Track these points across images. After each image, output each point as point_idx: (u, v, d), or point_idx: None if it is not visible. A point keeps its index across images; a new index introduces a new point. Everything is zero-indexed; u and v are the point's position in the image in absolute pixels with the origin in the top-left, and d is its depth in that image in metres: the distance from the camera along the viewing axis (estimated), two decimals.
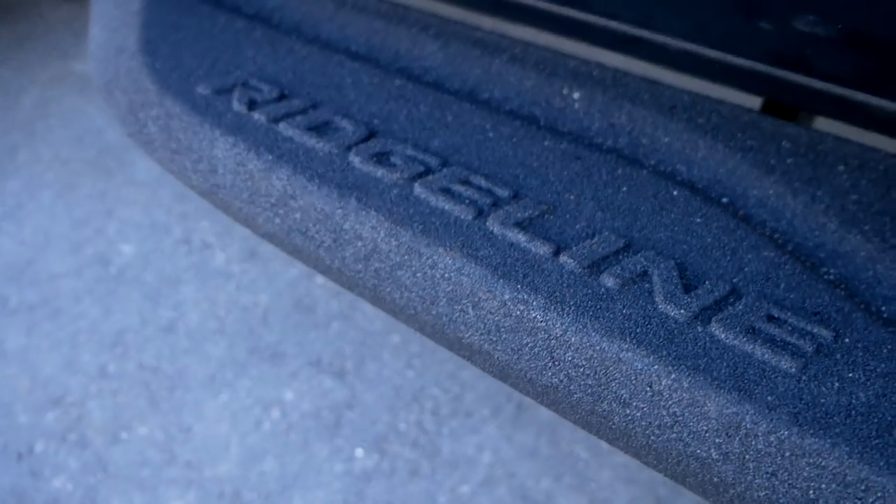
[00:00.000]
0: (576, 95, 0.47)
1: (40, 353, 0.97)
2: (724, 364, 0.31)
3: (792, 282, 0.35)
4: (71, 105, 1.44)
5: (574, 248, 0.35)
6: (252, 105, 0.46)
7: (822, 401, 0.30)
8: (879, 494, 0.28)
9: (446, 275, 0.36)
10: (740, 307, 0.33)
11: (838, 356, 0.31)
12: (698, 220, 0.38)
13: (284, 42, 0.53)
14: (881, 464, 0.28)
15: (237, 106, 0.46)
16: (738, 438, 0.29)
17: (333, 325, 1.01)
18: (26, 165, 1.28)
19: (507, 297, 0.34)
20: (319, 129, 0.44)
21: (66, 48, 1.62)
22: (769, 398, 0.29)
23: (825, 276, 0.36)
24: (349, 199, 0.39)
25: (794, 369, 0.30)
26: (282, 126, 0.44)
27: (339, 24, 0.56)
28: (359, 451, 0.86)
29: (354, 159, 0.42)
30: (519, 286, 0.34)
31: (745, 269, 0.35)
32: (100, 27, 0.58)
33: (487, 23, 0.56)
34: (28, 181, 1.24)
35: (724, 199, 0.40)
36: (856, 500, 0.28)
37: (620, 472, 0.84)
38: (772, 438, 0.29)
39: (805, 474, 0.28)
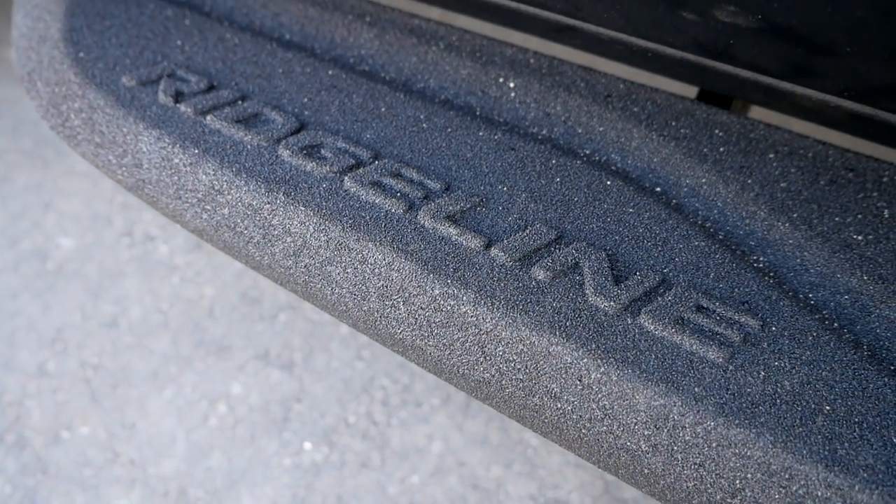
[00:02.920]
0: (511, 84, 0.46)
1: None
2: (653, 356, 0.31)
3: (721, 271, 0.35)
4: (4, 95, 1.38)
5: (505, 241, 0.35)
6: (178, 97, 0.44)
7: (748, 390, 0.30)
8: (803, 482, 0.28)
9: (376, 270, 0.35)
10: (669, 298, 0.33)
11: (765, 345, 0.32)
12: (630, 210, 0.38)
13: (215, 30, 0.51)
14: (804, 452, 0.29)
15: (163, 98, 0.44)
16: (665, 430, 0.29)
17: (281, 317, 0.99)
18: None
19: (437, 292, 0.33)
20: (248, 121, 0.43)
21: (3, 35, 1.55)
22: (696, 389, 0.29)
23: (754, 265, 0.36)
24: (277, 193, 0.38)
25: (721, 359, 0.31)
26: (209, 119, 0.43)
27: (272, 12, 0.54)
28: (307, 445, 0.85)
29: (284, 152, 0.40)
30: (449, 281, 0.33)
31: (676, 259, 0.35)
32: (22, 14, 0.55)
33: (426, 11, 0.55)
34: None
35: (657, 189, 0.40)
36: (780, 489, 0.28)
37: (569, 457, 0.85)
38: (699, 430, 0.29)
39: (731, 464, 0.29)
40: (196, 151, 0.41)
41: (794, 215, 0.38)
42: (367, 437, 0.86)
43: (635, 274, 0.34)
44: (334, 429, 0.87)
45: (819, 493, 0.27)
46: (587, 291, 0.33)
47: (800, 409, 0.30)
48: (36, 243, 1.08)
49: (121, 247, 1.08)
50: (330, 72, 0.48)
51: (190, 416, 0.87)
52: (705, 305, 0.33)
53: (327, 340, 0.96)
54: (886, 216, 0.38)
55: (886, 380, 0.31)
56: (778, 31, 0.33)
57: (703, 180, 0.40)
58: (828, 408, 0.29)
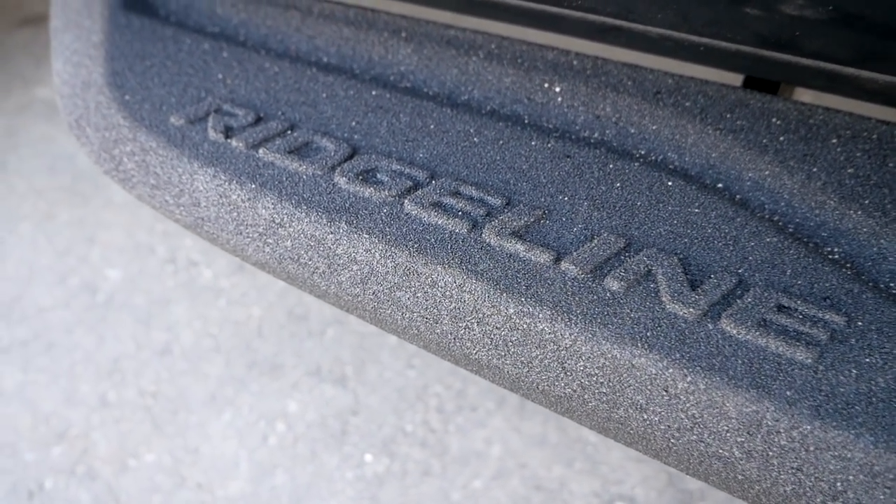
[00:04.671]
0: (557, 89, 0.46)
1: (38, 389, 0.95)
2: (739, 361, 0.30)
3: (798, 266, 0.34)
4: (39, 133, 1.41)
5: (574, 254, 0.35)
6: (229, 132, 0.45)
7: (842, 390, 0.29)
8: None
9: (447, 292, 0.35)
10: (749, 299, 0.32)
11: (853, 341, 0.31)
12: (696, 210, 0.37)
13: (254, 60, 0.52)
14: None
15: (213, 135, 0.44)
16: (759, 436, 0.29)
17: (329, 332, 1.00)
18: (1, 199, 1.25)
19: (511, 311, 0.33)
20: (300, 150, 0.43)
21: (28, 74, 1.58)
22: (788, 393, 0.29)
23: (830, 257, 0.35)
24: (339, 222, 0.38)
25: (810, 360, 0.30)
26: (262, 152, 0.43)
27: (307, 35, 0.54)
28: (368, 457, 0.86)
29: (340, 180, 0.40)
30: (523, 299, 0.33)
31: (749, 257, 0.34)
32: (62, 61, 0.56)
33: (462, 21, 0.55)
34: (5, 215, 1.22)
35: (720, 185, 0.40)
36: (885, 490, 0.27)
37: (630, 452, 0.84)
38: (794, 434, 0.29)
39: (831, 467, 0.28)
40: (253, 186, 0.41)
41: (866, 202, 0.37)
42: (425, 444, 0.87)
43: (710, 277, 0.33)
44: (393, 439, 0.87)
45: None
46: (664, 299, 0.32)
47: None
48: (84, 277, 1.11)
49: (166, 274, 1.10)
50: (374, 92, 0.48)
51: (250, 437, 0.89)
52: (786, 304, 0.32)
53: (377, 351, 0.96)
54: None
55: None
56: (840, 20, 0.33)
57: (766, 172, 0.39)
58: None
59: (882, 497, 0.28)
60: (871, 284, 0.33)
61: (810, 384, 0.29)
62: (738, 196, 0.39)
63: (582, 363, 0.32)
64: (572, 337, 0.32)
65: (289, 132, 0.45)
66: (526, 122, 0.45)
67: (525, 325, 0.33)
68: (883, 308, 0.32)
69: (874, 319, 0.32)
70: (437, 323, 0.35)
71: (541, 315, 0.33)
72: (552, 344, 0.33)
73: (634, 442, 0.33)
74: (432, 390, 0.92)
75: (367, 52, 0.52)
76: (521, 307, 0.33)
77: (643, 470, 0.83)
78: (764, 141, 0.40)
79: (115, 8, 0.57)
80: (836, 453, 0.28)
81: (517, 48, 0.49)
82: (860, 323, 0.31)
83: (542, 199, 0.38)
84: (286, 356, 0.97)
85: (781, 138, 0.40)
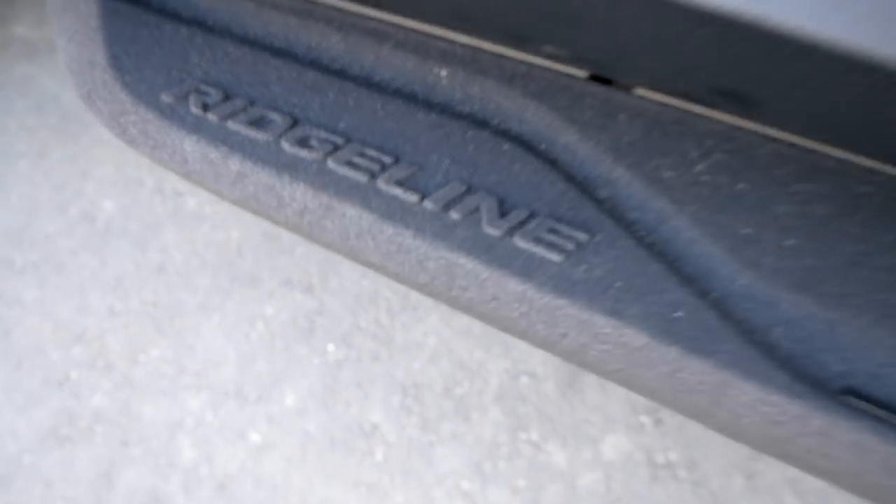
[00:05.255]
0: (443, 73, 0.64)
1: (55, 302, 1.15)
2: (519, 261, 0.50)
3: (573, 204, 0.54)
4: (22, 73, 1.54)
5: (433, 195, 0.54)
6: (205, 107, 0.62)
7: (576, 278, 0.50)
8: (607, 332, 0.49)
9: (352, 220, 0.54)
10: (533, 224, 0.52)
11: (589, 249, 0.51)
12: (518, 165, 0.56)
13: (220, 45, 0.69)
14: (609, 309, 0.49)
15: (194, 110, 0.62)
16: (527, 303, 0.50)
17: (298, 250, 1.20)
18: (8, 139, 1.41)
19: (390, 231, 0.53)
20: (257, 122, 0.61)
21: (4, 12, 1.68)
22: (544, 279, 0.49)
23: (597, 198, 0.55)
24: (284, 175, 0.57)
25: (560, 259, 0.50)
26: (229, 123, 0.61)
27: (261, 23, 0.71)
28: (330, 347, 1.08)
29: (284, 145, 0.59)
30: (397, 225, 0.53)
31: (543, 198, 0.54)
32: (66, 40, 0.73)
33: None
34: (3, 152, 1.38)
35: (542, 147, 0.59)
36: (599, 344, 0.48)
37: None
38: (547, 302, 0.49)
39: (568, 323, 0.49)
40: (225, 149, 0.59)
41: (630, 161, 0.56)
42: (376, 337, 1.08)
43: (514, 211, 0.53)
44: (350, 333, 1.09)
45: (603, 333, 0.48)
46: (483, 224, 0.52)
47: (611, 292, 0.50)
48: (82, 208, 1.28)
49: (155, 203, 1.28)
50: (310, 74, 0.66)
51: (235, 335, 1.10)
52: (554, 227, 0.52)
53: (338, 265, 1.17)
54: (692, 156, 0.56)
55: (661, 265, 0.51)
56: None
57: (574, 138, 0.58)
58: (620, 284, 0.49)
59: (596, 350, 0.49)
60: (619, 218, 0.54)
61: (557, 273, 0.50)
62: (551, 156, 0.58)
63: (431, 263, 0.52)
64: (426, 248, 0.52)
65: (249, 107, 0.62)
66: (419, 98, 0.64)
67: (399, 241, 0.53)
68: (617, 231, 0.52)
69: (608, 237, 0.52)
70: (347, 239, 0.55)
71: (407, 234, 0.52)
72: (413, 250, 0.52)
73: (465, 309, 0.54)
74: (382, 295, 1.13)
75: (307, 39, 0.69)
76: (396, 230, 0.53)
77: (546, 354, 1.06)
78: (575, 116, 0.59)
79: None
80: (570, 314, 0.49)
81: (418, 38, 0.67)
82: (598, 238, 0.52)
83: (420, 158, 0.57)
84: (262, 270, 1.17)
85: (587, 114, 0.59)
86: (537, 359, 1.05)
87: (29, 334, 1.11)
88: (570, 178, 0.56)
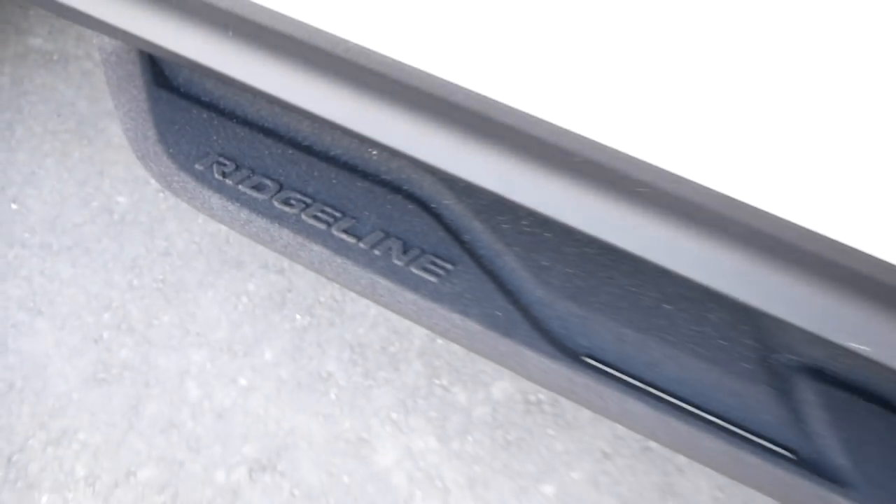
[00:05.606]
0: (374, 153, 1.02)
1: (86, 278, 1.51)
2: (413, 280, 0.90)
3: (447, 245, 0.93)
4: (41, 82, 1.84)
5: (364, 239, 0.92)
6: (224, 175, 0.98)
7: (444, 291, 0.89)
8: (460, 323, 0.89)
9: (316, 254, 0.93)
10: (422, 258, 0.91)
11: (453, 274, 0.91)
12: (416, 219, 0.95)
13: (230, 126, 1.05)
14: (461, 310, 0.89)
15: (217, 176, 0.98)
16: (417, 305, 0.89)
17: None
18: (25, 139, 1.72)
19: (339, 261, 0.91)
20: (257, 186, 0.98)
21: (20, 24, 1.96)
22: (425, 291, 0.89)
23: (463, 242, 0.94)
24: (274, 223, 0.95)
25: (436, 280, 0.90)
26: (240, 186, 0.97)
27: (256, 108, 1.07)
28: (297, 316, 1.46)
29: (275, 202, 0.96)
30: (343, 257, 0.91)
31: (429, 241, 0.93)
32: (123, 114, 1.08)
33: None
34: (31, 153, 1.70)
35: (432, 206, 0.97)
36: (453, 327, 0.88)
37: None
38: (426, 304, 0.88)
39: (436, 316, 0.89)
40: (238, 204, 0.96)
41: (483, 217, 0.95)
42: (332, 309, 1.47)
43: (411, 249, 0.92)
44: (312, 306, 1.48)
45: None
46: (392, 258, 0.91)
47: (462, 300, 0.90)
48: (101, 202, 1.62)
49: (159, 200, 1.63)
50: (290, 150, 1.02)
51: (226, 306, 1.48)
52: (435, 261, 0.91)
53: None
54: (520, 215, 0.96)
55: (494, 285, 0.90)
56: None
57: (452, 201, 0.97)
58: (468, 295, 0.89)
59: (455, 333, 0.89)
60: (472, 254, 0.93)
61: (434, 288, 0.89)
62: (437, 213, 0.97)
63: (363, 280, 0.91)
64: (360, 272, 0.91)
65: (251, 175, 0.99)
66: (359, 169, 1.01)
67: (344, 267, 0.91)
68: (471, 263, 0.92)
69: (465, 267, 0.91)
70: (313, 265, 0.93)
71: (349, 263, 0.91)
72: (354, 274, 0.91)
73: (383, 307, 0.93)
74: None
75: (287, 123, 1.05)
76: (342, 260, 0.91)
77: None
78: (453, 186, 0.98)
79: (151, 84, 1.09)
80: (440, 312, 0.88)
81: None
82: (459, 267, 0.91)
83: (357, 213, 0.95)
84: (245, 256, 1.54)
85: (460, 185, 0.98)
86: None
87: (68, 303, 1.47)
88: (447, 228, 0.96)
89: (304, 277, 1.51)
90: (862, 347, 0.67)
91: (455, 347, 1.44)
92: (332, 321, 1.46)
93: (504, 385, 1.40)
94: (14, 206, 1.60)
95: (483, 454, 1.33)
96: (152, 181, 1.65)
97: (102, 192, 1.64)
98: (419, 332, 1.45)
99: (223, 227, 1.58)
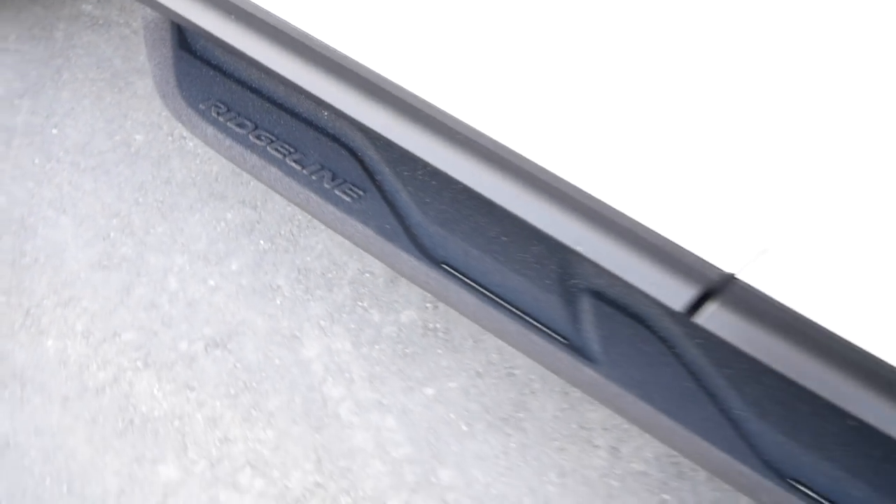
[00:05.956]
0: (325, 114, 1.45)
1: (104, 192, 1.93)
2: (335, 199, 1.32)
3: (363, 178, 1.36)
4: (88, 39, 2.28)
5: (307, 168, 1.35)
6: (218, 114, 1.41)
7: (356, 208, 1.32)
8: (361, 231, 1.31)
9: (274, 176, 1.35)
10: (345, 185, 1.34)
11: (364, 198, 1.34)
12: (345, 160, 1.38)
13: (227, 82, 1.48)
14: (363, 221, 1.32)
15: (213, 114, 1.41)
16: (337, 217, 1.31)
17: (251, 183, 2.00)
18: (69, 82, 2.15)
19: (289, 181, 1.34)
20: (240, 125, 1.41)
21: None
22: (343, 207, 1.31)
23: (375, 181, 1.38)
24: (248, 150, 1.38)
25: (351, 200, 1.32)
26: (228, 123, 1.40)
27: (250, 74, 1.51)
28: (261, 242, 1.89)
29: (250, 136, 1.39)
30: (291, 180, 1.34)
31: (352, 174, 1.36)
32: (154, 65, 1.52)
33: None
34: (73, 93, 2.13)
35: (358, 153, 1.40)
36: (358, 234, 1.31)
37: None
38: (344, 217, 1.31)
39: (348, 226, 1.31)
40: (223, 135, 1.39)
41: (393, 164, 1.39)
42: (288, 240, 1.90)
43: (337, 178, 1.35)
44: (274, 236, 1.90)
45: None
46: (324, 183, 1.34)
47: (368, 216, 1.33)
48: (123, 137, 2.05)
49: (167, 142, 2.06)
50: (267, 105, 1.46)
51: (210, 225, 1.90)
52: (353, 188, 1.34)
53: (274, 196, 1.98)
54: (419, 165, 1.39)
55: (390, 208, 1.33)
56: None
57: (372, 150, 1.40)
58: (371, 212, 1.32)
59: (358, 239, 1.31)
60: (379, 188, 1.36)
61: (349, 206, 1.32)
62: (359, 156, 1.40)
63: (303, 196, 1.33)
64: (301, 191, 1.33)
65: (237, 116, 1.42)
66: (314, 123, 1.45)
67: (290, 186, 1.34)
68: (377, 193, 1.34)
69: (373, 195, 1.34)
70: (271, 183, 1.36)
71: (294, 184, 1.34)
72: (298, 192, 1.34)
73: (315, 218, 1.35)
74: (297, 217, 1.95)
75: (268, 85, 1.49)
76: (290, 181, 1.34)
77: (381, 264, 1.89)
78: (375, 142, 1.41)
79: (176, 46, 1.53)
80: (351, 223, 1.31)
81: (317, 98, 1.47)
82: (369, 194, 1.34)
83: (306, 150, 1.39)
84: (229, 192, 1.97)
85: (383, 141, 1.42)
86: (377, 265, 1.88)
87: (87, 208, 1.90)
88: (365, 168, 1.39)
89: (271, 214, 1.94)
90: (578, 247, 1.10)
91: (378, 281, 1.87)
92: (287, 249, 1.89)
93: (410, 313, 1.83)
94: (55, 132, 2.03)
95: (384, 360, 1.75)
96: (164, 126, 2.09)
97: (125, 129, 2.07)
98: (353, 266, 1.88)
99: (214, 168, 2.01)
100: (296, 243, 1.90)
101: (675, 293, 1.03)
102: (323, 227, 1.94)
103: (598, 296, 1.31)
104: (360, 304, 1.83)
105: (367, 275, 1.88)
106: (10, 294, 1.73)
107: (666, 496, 1.62)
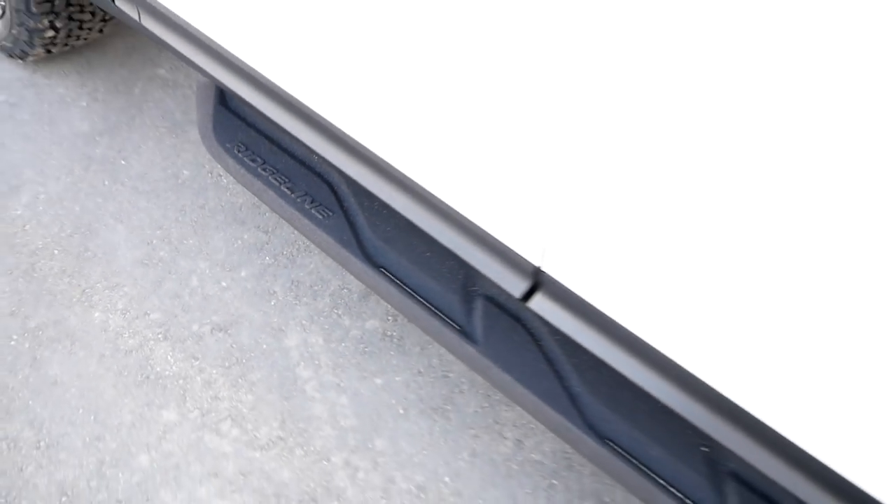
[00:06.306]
0: (317, 158, 2.00)
1: (151, 210, 2.50)
2: (316, 218, 1.84)
3: (334, 203, 1.88)
4: (158, 96, 2.92)
5: (285, 184, 1.89)
6: (239, 152, 1.97)
7: (327, 224, 1.83)
8: (323, 237, 1.82)
9: (263, 189, 1.88)
10: (323, 207, 1.86)
11: (331, 217, 1.85)
12: (325, 190, 1.91)
13: (250, 132, 2.05)
14: (326, 230, 1.83)
15: (236, 152, 1.97)
16: (317, 232, 1.83)
17: (266, 214, 2.54)
18: (139, 127, 2.78)
19: (271, 193, 1.87)
20: (253, 160, 1.96)
21: (154, 58, 3.07)
22: (320, 223, 1.82)
23: (343, 206, 1.90)
24: (255, 178, 1.92)
25: (322, 217, 1.83)
26: (245, 159, 1.95)
27: (267, 127, 2.08)
28: (267, 258, 2.42)
29: (258, 168, 1.93)
30: (298, 212, 1.87)
31: (329, 200, 1.88)
32: (200, 116, 2.11)
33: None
34: (141, 135, 2.75)
35: (336, 188, 1.93)
36: (319, 239, 1.82)
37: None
38: (318, 230, 1.82)
39: (317, 234, 1.82)
40: (241, 167, 1.94)
41: (354, 191, 1.91)
42: (288, 259, 2.42)
43: (321, 204, 1.87)
44: (277, 255, 2.43)
45: None
46: (313, 209, 1.86)
47: (330, 226, 1.84)
48: (174, 171, 2.64)
49: (208, 178, 2.63)
50: (274, 148, 2.01)
51: (227, 242, 2.44)
52: (327, 212, 1.86)
53: (284, 225, 2.52)
54: (379, 202, 1.91)
55: (344, 219, 1.84)
56: None
57: (344, 184, 1.93)
58: (332, 225, 1.82)
59: (318, 242, 1.82)
60: (344, 210, 1.87)
61: (321, 222, 1.84)
62: (335, 188, 1.92)
63: (297, 223, 1.86)
64: (273, 191, 1.86)
65: (252, 155, 1.97)
66: (315, 169, 1.99)
67: (297, 217, 1.87)
68: (341, 212, 1.86)
69: (338, 216, 1.85)
70: (263, 195, 1.89)
71: (272, 187, 1.87)
72: (301, 219, 1.87)
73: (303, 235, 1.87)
74: (298, 241, 2.48)
75: (277, 136, 2.06)
76: (271, 189, 1.87)
77: (356, 281, 2.39)
78: (347, 177, 1.94)
79: (217, 103, 2.12)
80: (320, 233, 1.82)
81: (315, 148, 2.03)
82: (335, 215, 1.85)
83: (309, 189, 1.92)
84: (248, 219, 2.52)
85: (351, 177, 1.95)
86: (355, 283, 2.38)
87: (137, 220, 2.46)
88: (337, 196, 1.91)
89: (279, 238, 2.48)
90: (450, 246, 1.58)
91: (353, 296, 2.36)
92: (286, 265, 2.41)
93: (374, 322, 2.31)
94: (123, 163, 2.64)
95: (347, 354, 2.23)
96: (206, 166, 2.68)
97: (176, 166, 2.67)
98: (335, 283, 2.38)
99: (240, 200, 2.58)
100: (293, 261, 2.43)
101: (513, 283, 1.51)
102: (316, 251, 2.46)
103: (489, 299, 1.79)
104: (335, 311, 2.32)
105: (345, 290, 2.38)
106: (73, 276, 2.29)
107: (555, 482, 2.02)
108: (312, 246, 2.48)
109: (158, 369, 2.10)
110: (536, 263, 1.40)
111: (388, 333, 2.29)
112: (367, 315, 2.32)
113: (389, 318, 2.32)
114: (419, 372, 2.21)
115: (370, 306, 2.34)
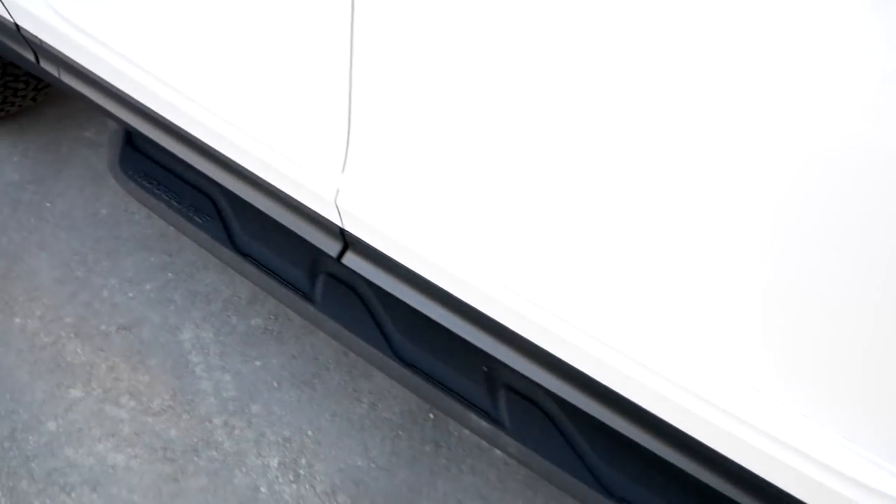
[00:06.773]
0: (203, 181, 2.53)
1: (73, 241, 2.97)
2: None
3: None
4: (84, 153, 3.43)
5: (191, 208, 2.40)
6: (141, 178, 2.49)
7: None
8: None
9: (172, 215, 2.39)
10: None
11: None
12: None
13: (152, 165, 2.58)
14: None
15: (138, 178, 2.48)
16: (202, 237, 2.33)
17: (172, 240, 3.03)
18: (64, 178, 3.27)
19: (173, 214, 2.38)
20: (158, 188, 2.48)
21: (83, 123, 3.61)
22: (199, 223, 2.34)
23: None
24: (159, 202, 2.43)
25: (201, 221, 2.34)
26: (150, 186, 2.47)
27: (168, 162, 2.62)
28: (170, 274, 2.90)
29: (162, 194, 2.45)
30: (180, 215, 2.38)
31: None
32: (110, 155, 2.64)
33: None
34: (65, 184, 3.23)
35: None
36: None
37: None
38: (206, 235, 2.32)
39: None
40: (147, 193, 2.45)
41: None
42: (262, 318, 2.91)
43: (196, 206, 2.39)
44: (182, 270, 2.91)
45: None
46: (190, 211, 2.37)
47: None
48: (94, 211, 3.13)
49: (123, 215, 3.12)
50: (174, 177, 2.54)
51: (140, 261, 2.91)
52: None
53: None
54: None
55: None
56: None
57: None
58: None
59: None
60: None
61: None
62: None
63: (184, 220, 2.36)
64: (176, 218, 2.37)
65: (156, 184, 2.50)
66: (202, 188, 2.52)
67: (178, 216, 2.38)
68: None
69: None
70: (169, 219, 2.40)
71: (179, 213, 2.37)
72: (180, 219, 2.37)
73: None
74: (198, 261, 2.96)
75: (175, 167, 2.59)
76: (175, 212, 2.37)
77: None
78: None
79: (125, 143, 2.66)
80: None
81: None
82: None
83: (196, 201, 2.44)
84: (155, 245, 3.00)
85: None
86: (245, 291, 2.86)
87: (59, 249, 2.92)
88: (216, 206, 2.43)
89: (182, 260, 2.96)
90: (282, 221, 2.11)
91: (242, 301, 2.84)
92: (185, 280, 2.88)
93: (258, 320, 2.78)
94: (48, 205, 3.12)
95: (232, 344, 2.68)
96: (127, 207, 3.17)
97: (95, 206, 3.15)
98: (227, 292, 2.86)
99: (149, 231, 3.06)
100: (192, 277, 2.91)
101: (328, 244, 2.04)
102: (213, 269, 2.95)
103: (331, 275, 2.30)
104: (226, 313, 2.80)
105: (236, 297, 2.86)
106: None
107: (401, 433, 2.48)
108: (210, 264, 2.97)
109: (69, 359, 2.52)
110: (340, 225, 1.94)
111: (269, 328, 2.76)
112: (252, 315, 2.80)
113: (271, 317, 2.80)
114: (293, 356, 2.68)
115: (256, 308, 2.82)
